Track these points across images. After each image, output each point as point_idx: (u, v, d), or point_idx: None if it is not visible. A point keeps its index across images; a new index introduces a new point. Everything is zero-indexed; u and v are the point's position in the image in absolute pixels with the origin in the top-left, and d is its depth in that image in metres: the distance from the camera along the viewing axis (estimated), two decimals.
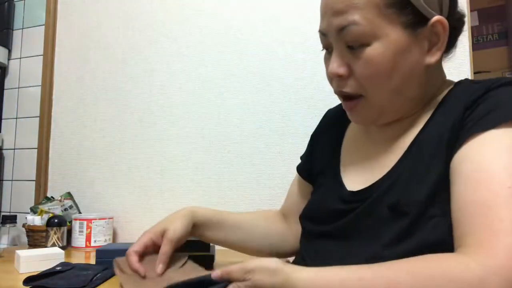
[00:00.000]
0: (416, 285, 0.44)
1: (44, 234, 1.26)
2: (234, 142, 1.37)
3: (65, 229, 1.25)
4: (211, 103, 1.41)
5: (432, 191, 0.54)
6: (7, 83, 1.73)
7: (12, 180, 1.67)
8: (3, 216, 1.40)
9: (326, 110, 0.87)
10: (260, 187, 1.33)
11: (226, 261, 0.88)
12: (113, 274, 0.83)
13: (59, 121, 1.61)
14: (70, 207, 1.44)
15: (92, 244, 1.29)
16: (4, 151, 1.70)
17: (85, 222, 1.30)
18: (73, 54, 1.62)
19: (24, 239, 1.40)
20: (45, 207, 1.39)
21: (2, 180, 1.68)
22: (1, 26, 1.71)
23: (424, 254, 0.48)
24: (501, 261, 0.43)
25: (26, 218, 1.37)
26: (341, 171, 0.71)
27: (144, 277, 0.66)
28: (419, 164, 0.58)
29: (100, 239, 1.32)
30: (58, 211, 1.38)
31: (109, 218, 1.36)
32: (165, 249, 0.70)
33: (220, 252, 1.00)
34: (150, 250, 0.72)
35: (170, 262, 0.72)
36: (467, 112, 0.55)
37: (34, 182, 1.60)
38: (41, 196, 1.55)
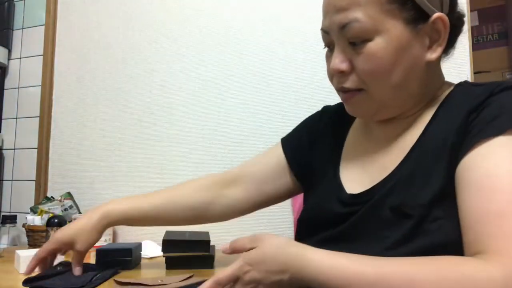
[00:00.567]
0: (440, 285, 0.44)
1: (44, 234, 1.26)
2: (234, 142, 1.37)
3: None
4: (211, 103, 1.41)
5: (435, 194, 0.54)
6: (7, 83, 1.73)
7: (12, 180, 1.67)
8: (3, 216, 1.40)
9: None
10: None
11: (226, 261, 0.88)
12: (113, 274, 0.83)
13: (59, 121, 1.61)
14: (70, 207, 1.44)
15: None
16: (4, 151, 1.70)
17: None
18: (73, 54, 1.62)
19: (24, 239, 1.40)
20: (45, 207, 1.39)
21: (2, 180, 1.68)
22: (1, 26, 1.71)
23: (428, 256, 0.48)
24: None
25: (26, 218, 1.37)
26: (340, 171, 0.71)
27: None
28: (422, 166, 0.58)
29: (100, 239, 1.31)
30: (58, 211, 1.38)
31: None
32: (77, 259, 0.79)
33: (220, 252, 1.00)
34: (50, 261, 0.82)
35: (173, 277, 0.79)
36: (472, 116, 0.55)
37: (34, 182, 1.60)
38: (41, 196, 1.55)
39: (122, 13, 1.56)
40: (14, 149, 1.68)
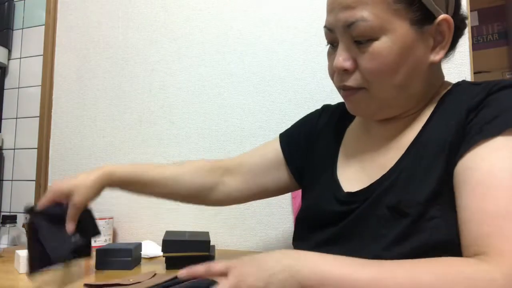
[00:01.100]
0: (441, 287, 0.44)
1: None
2: (234, 142, 1.37)
3: None
4: (211, 103, 1.41)
5: (432, 193, 0.54)
6: (7, 83, 1.73)
7: (12, 180, 1.67)
8: (3, 216, 1.40)
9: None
10: None
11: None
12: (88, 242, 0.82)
13: (59, 121, 1.61)
14: None
15: (92, 244, 1.28)
16: (4, 151, 1.70)
17: None
18: (73, 54, 1.62)
19: (24, 239, 1.40)
20: None
21: (2, 180, 1.68)
22: (1, 26, 1.71)
23: (424, 256, 0.48)
24: None
25: (26, 218, 1.37)
26: (338, 170, 0.71)
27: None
28: (419, 165, 0.58)
29: (100, 239, 1.32)
30: None
31: (109, 218, 1.36)
32: (72, 213, 0.76)
33: (220, 252, 1.00)
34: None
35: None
36: (471, 116, 0.55)
37: (34, 182, 1.60)
38: (41, 196, 1.55)
39: (122, 13, 1.56)
40: (14, 149, 1.68)
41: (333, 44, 0.65)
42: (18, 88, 1.71)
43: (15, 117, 1.69)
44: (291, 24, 1.34)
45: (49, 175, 1.59)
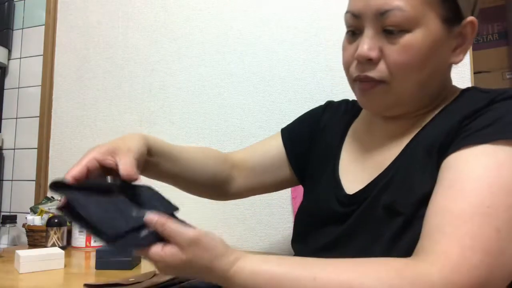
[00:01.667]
0: None
1: (44, 234, 1.26)
2: (234, 142, 1.37)
3: (65, 229, 1.25)
4: (211, 103, 1.41)
5: (425, 193, 0.54)
6: (7, 83, 1.73)
7: (12, 180, 1.67)
8: (3, 216, 1.40)
9: None
10: None
11: None
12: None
13: (59, 121, 1.61)
14: None
15: (92, 244, 1.29)
16: (4, 151, 1.70)
17: None
18: (73, 54, 1.62)
19: (24, 239, 1.40)
20: (45, 207, 1.39)
21: (2, 180, 1.68)
22: (1, 26, 1.71)
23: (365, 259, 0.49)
24: (464, 280, 0.44)
25: (26, 218, 1.37)
26: (340, 169, 0.70)
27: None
28: (413, 165, 0.58)
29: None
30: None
31: None
32: (125, 160, 0.57)
33: None
34: (95, 175, 0.56)
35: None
36: (465, 121, 0.55)
37: (34, 182, 1.60)
38: (41, 196, 1.55)
39: (122, 13, 1.56)
40: (14, 149, 1.68)
41: (354, 31, 0.62)
42: (18, 88, 1.71)
43: (15, 117, 1.69)
44: (291, 24, 1.34)
45: (49, 175, 1.59)
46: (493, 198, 0.47)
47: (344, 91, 0.80)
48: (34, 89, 1.66)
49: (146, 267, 1.00)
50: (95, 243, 1.30)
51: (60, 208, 0.52)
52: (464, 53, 0.61)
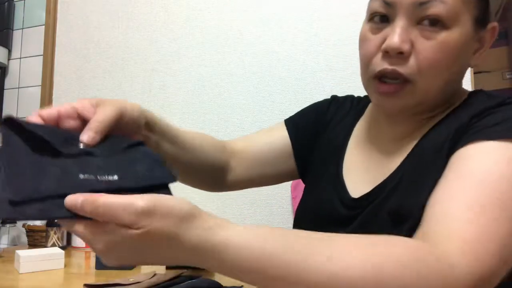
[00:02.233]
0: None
1: (44, 234, 1.26)
2: None
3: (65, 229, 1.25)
4: (211, 103, 1.41)
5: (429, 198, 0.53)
6: (7, 83, 1.73)
7: None
8: None
9: None
10: (261, 187, 1.32)
11: None
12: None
13: None
14: None
15: None
16: None
17: None
18: (73, 54, 1.62)
19: (24, 239, 1.40)
20: None
21: None
22: (1, 26, 1.71)
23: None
24: (485, 268, 0.42)
25: None
26: (344, 169, 0.68)
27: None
28: (419, 169, 0.57)
29: None
30: None
31: None
32: (100, 116, 0.46)
33: None
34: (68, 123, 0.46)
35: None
36: (474, 119, 0.53)
37: None
38: None
39: (122, 13, 1.56)
40: None
41: (381, 20, 0.57)
42: (18, 88, 1.71)
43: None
44: (291, 24, 1.34)
45: None
46: (504, 190, 0.46)
47: (345, 91, 0.80)
48: (34, 89, 1.66)
49: (146, 267, 1.00)
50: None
51: None
52: (482, 57, 0.59)
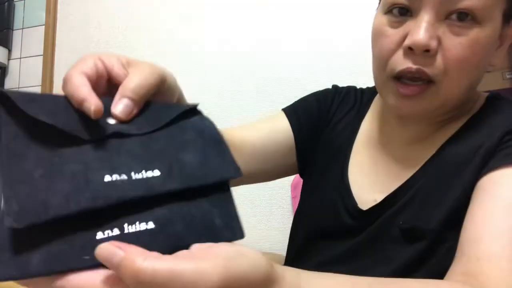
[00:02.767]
0: None
1: None
2: None
3: None
4: (211, 103, 1.41)
5: (449, 216, 0.49)
6: (7, 83, 1.73)
7: None
8: None
9: None
10: (261, 187, 1.32)
11: None
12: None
13: None
14: None
15: None
16: None
17: None
18: (73, 54, 1.62)
19: None
20: None
21: None
22: (1, 26, 1.71)
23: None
24: None
25: None
26: (349, 173, 0.62)
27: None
28: (440, 182, 0.52)
29: None
30: None
31: None
32: (141, 77, 0.36)
33: None
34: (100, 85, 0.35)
35: None
36: (506, 137, 0.49)
37: None
38: None
39: (122, 13, 1.56)
40: None
41: (400, 13, 0.50)
42: (18, 88, 1.70)
43: None
44: (291, 24, 1.34)
45: None
46: None
47: None
48: (34, 89, 1.66)
49: None
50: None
51: None
52: (503, 55, 0.53)
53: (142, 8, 1.54)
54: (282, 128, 0.69)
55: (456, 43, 0.47)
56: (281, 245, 1.26)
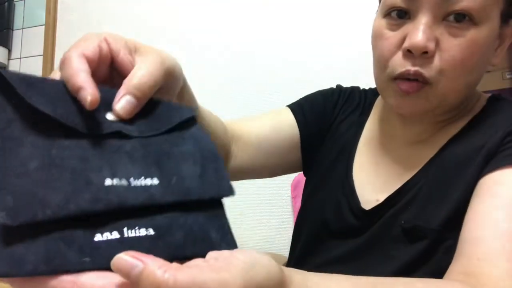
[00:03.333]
0: None
1: None
2: None
3: None
4: (211, 104, 1.41)
5: (450, 216, 0.50)
6: None
7: None
8: None
9: None
10: (260, 187, 1.33)
11: None
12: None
13: None
14: None
15: None
16: None
17: None
18: None
19: None
20: None
21: None
22: (1, 26, 1.71)
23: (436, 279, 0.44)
24: None
25: None
26: (354, 174, 0.62)
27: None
28: (441, 182, 0.52)
29: None
30: None
31: None
32: (148, 71, 0.34)
33: None
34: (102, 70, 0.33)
35: None
36: (507, 138, 0.50)
37: None
38: None
39: (122, 13, 1.56)
40: None
41: (399, 15, 0.51)
42: None
43: None
44: (291, 24, 1.34)
45: None
46: None
47: None
48: None
49: None
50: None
51: None
52: (502, 54, 0.54)
53: (142, 8, 1.54)
54: (287, 122, 0.68)
55: (454, 44, 0.48)
56: (281, 245, 1.26)
